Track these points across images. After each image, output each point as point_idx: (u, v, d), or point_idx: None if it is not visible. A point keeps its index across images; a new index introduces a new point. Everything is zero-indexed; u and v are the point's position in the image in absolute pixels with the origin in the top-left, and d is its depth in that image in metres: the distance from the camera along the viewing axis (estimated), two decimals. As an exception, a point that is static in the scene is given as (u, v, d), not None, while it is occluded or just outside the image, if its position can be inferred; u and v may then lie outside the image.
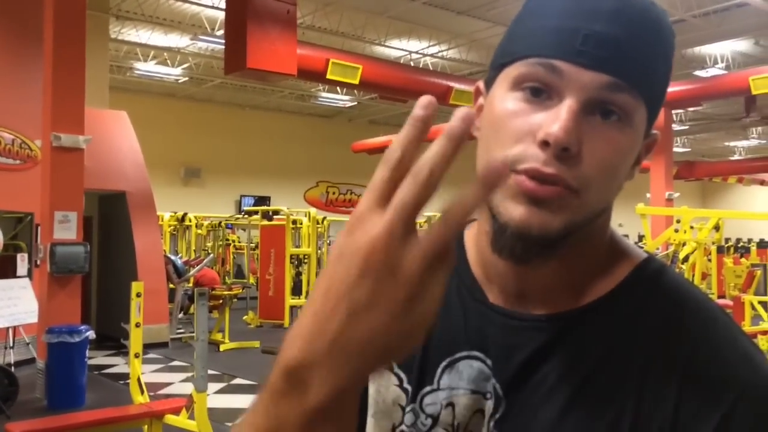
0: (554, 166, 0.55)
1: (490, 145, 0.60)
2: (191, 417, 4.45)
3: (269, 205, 16.12)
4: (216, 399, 6.36)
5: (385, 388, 0.66)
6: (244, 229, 16.55)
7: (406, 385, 0.65)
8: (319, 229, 13.76)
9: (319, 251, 13.23)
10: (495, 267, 0.63)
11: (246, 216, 14.86)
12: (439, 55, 15.33)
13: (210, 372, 7.06)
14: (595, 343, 0.59)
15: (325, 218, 14.78)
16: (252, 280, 15.47)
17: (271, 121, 19.66)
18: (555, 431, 0.58)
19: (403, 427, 0.64)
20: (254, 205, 16.46)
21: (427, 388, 0.64)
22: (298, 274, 12.51)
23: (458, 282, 0.66)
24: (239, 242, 16.72)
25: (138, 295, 5.03)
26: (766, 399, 0.55)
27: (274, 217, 12.54)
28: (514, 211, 0.56)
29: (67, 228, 6.51)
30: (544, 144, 0.55)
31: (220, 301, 10.25)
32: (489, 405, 0.61)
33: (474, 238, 0.68)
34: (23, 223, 8.60)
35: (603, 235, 0.64)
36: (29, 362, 7.57)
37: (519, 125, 0.57)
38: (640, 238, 23.10)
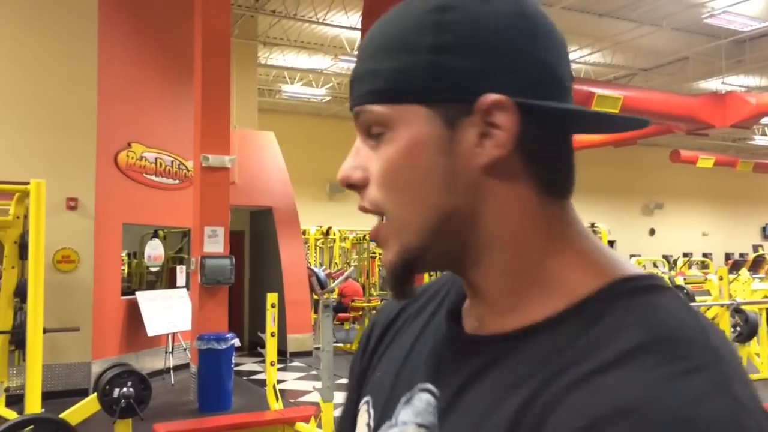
0: (361, 202, 0.59)
1: None
2: (319, 425, 4.59)
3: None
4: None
5: (359, 426, 0.67)
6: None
7: (371, 421, 0.65)
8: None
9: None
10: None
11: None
12: (582, 60, 14.81)
13: (344, 382, 7.26)
14: (520, 367, 0.53)
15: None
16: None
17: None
18: None
19: None
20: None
21: (386, 423, 0.63)
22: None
23: (445, 314, 0.65)
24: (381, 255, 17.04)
25: (273, 305, 5.28)
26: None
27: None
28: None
29: (215, 242, 7.00)
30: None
31: (360, 313, 10.52)
32: None
33: None
34: (187, 238, 9.37)
35: (518, 249, 0.56)
36: (186, 367, 8.20)
37: None
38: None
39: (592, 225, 13.39)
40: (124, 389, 3.01)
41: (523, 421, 0.50)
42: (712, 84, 14.32)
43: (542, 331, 0.54)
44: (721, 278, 6.07)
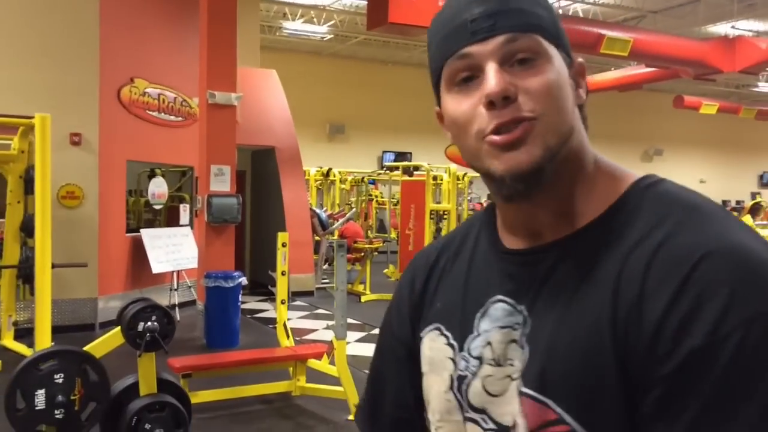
0: (507, 113, 0.68)
1: (459, 141, 0.73)
2: (332, 363, 4.65)
3: (410, 161, 16.24)
4: (356, 347, 6.60)
5: (437, 349, 0.80)
6: (386, 185, 16.85)
7: (452, 341, 0.79)
8: (460, 186, 13.70)
9: (459, 207, 13.19)
10: (509, 219, 0.77)
11: (387, 171, 15.09)
12: (591, 0, 14.49)
13: (351, 321, 7.34)
14: (587, 259, 0.69)
15: (465, 174, 14.66)
16: (393, 235, 15.79)
17: (413, 77, 19.65)
18: (553, 338, 0.69)
19: (459, 372, 0.77)
20: (395, 161, 16.66)
21: (469, 336, 0.77)
22: (438, 230, 12.58)
23: (487, 245, 0.81)
24: (381, 197, 17.07)
25: (284, 245, 5.28)
26: (732, 255, 0.61)
27: (415, 172, 12.63)
28: (499, 164, 0.69)
29: (221, 181, 6.95)
30: (491, 105, 0.68)
31: (362, 254, 10.57)
32: (519, 331, 0.72)
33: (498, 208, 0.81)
34: (186, 177, 9.30)
35: (582, 162, 0.74)
36: (191, 304, 8.27)
37: (467, 110, 0.71)
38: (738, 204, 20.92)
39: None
40: (149, 323, 3.02)
41: (620, 286, 0.65)
42: (722, 28, 14.09)
43: (595, 228, 0.71)
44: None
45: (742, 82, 18.47)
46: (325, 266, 11.36)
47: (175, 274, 8.15)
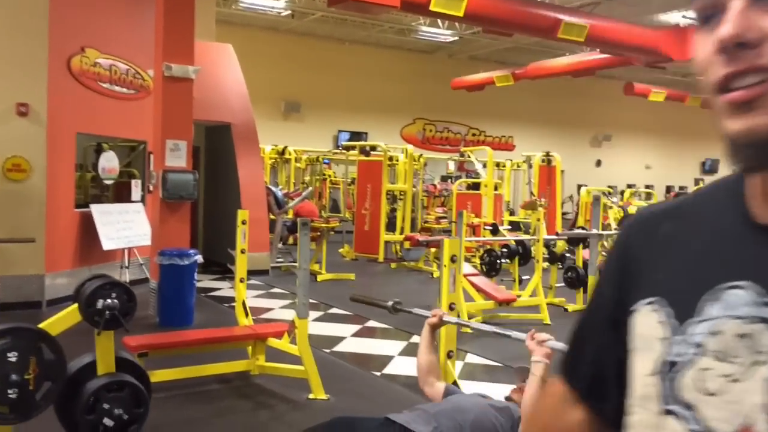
0: (741, 61, 0.57)
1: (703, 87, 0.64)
2: (293, 341, 4.62)
3: (365, 141, 16.18)
4: (313, 326, 6.54)
5: (648, 326, 0.70)
6: (341, 164, 16.75)
7: (670, 319, 0.68)
8: (415, 167, 13.72)
9: (414, 188, 13.22)
10: (764, 188, 0.64)
11: (343, 151, 15.00)
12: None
13: (312, 300, 7.31)
14: None
15: (421, 155, 14.71)
16: (347, 215, 15.75)
17: (369, 57, 19.52)
18: None
19: (671, 357, 0.67)
20: (350, 141, 16.57)
21: (691, 320, 0.66)
22: (393, 210, 12.59)
23: (733, 217, 0.68)
24: (335, 177, 16.97)
25: (243, 222, 5.19)
26: None
27: (371, 152, 12.58)
28: (733, 125, 0.59)
29: (177, 156, 6.78)
30: (723, 50, 0.58)
31: (318, 234, 10.50)
32: (761, 327, 0.61)
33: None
34: (137, 151, 9.03)
35: None
36: (143, 282, 8.08)
37: (704, 56, 0.61)
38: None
39: (547, 154, 13.58)
40: (109, 301, 2.92)
41: None
42: (674, 17, 14.40)
43: None
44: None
45: (689, 71, 18.94)
46: (280, 245, 11.26)
47: (126, 251, 7.95)
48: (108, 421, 3.00)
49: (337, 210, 17.01)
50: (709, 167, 25.36)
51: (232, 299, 8.00)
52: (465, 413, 2.53)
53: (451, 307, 3.18)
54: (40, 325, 3.04)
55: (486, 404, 2.60)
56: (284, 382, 4.72)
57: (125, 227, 7.85)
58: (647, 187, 19.39)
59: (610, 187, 16.56)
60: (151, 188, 7.46)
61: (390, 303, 3.26)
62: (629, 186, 19.77)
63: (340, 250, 12.09)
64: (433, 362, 2.86)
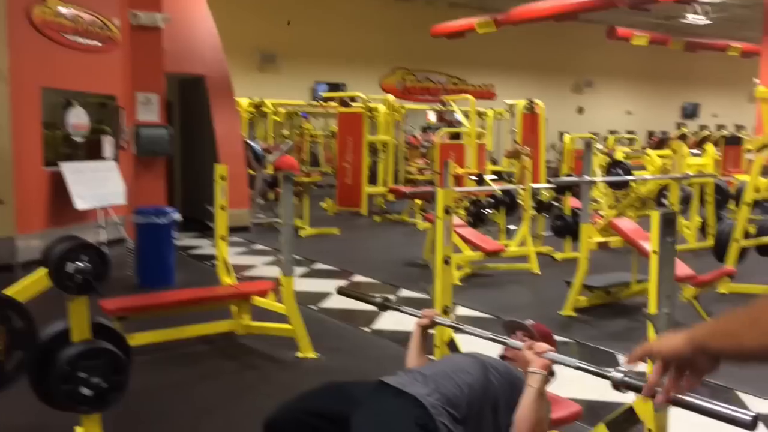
0: None
1: None
2: (278, 299, 4.45)
3: (344, 92, 15.80)
4: (299, 283, 6.38)
5: None
6: (319, 117, 16.41)
7: None
8: (396, 118, 13.43)
9: (395, 140, 12.96)
10: None
11: (322, 103, 14.64)
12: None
13: (296, 257, 7.12)
14: None
15: (402, 106, 14.39)
16: (328, 169, 15.48)
17: (346, 4, 18.95)
18: None
19: None
20: (328, 92, 16.18)
21: None
22: (375, 163, 12.35)
23: None
24: (314, 131, 16.64)
25: (222, 177, 4.95)
26: None
27: (351, 104, 12.27)
28: None
29: (149, 110, 6.47)
30: None
31: (300, 188, 10.26)
32: None
33: None
34: (108, 107, 8.66)
35: None
36: (120, 242, 7.83)
37: None
38: (738, 128, 21.76)
39: (530, 101, 13.34)
40: (80, 264, 2.71)
41: None
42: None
43: None
44: (675, 151, 6.13)
45: (671, 14, 18.66)
46: (260, 201, 11.02)
47: (101, 210, 7.66)
48: (85, 391, 2.81)
49: (316, 164, 16.74)
50: (689, 111, 25.29)
51: (213, 257, 7.79)
52: (463, 374, 2.37)
53: (446, 261, 3.00)
54: (7, 292, 2.82)
55: (484, 363, 2.44)
56: (271, 341, 4.57)
57: (98, 186, 7.55)
58: (629, 132, 19.28)
59: (592, 133, 16.42)
60: (124, 145, 7.15)
61: (379, 299, 3.08)
62: (611, 132, 19.66)
63: (322, 205, 11.89)
64: (422, 365, 2.68)
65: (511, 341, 2.40)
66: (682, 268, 5.22)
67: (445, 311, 2.96)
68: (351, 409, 2.22)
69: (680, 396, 1.94)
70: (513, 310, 5.49)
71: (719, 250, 6.34)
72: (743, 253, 6.36)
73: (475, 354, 2.59)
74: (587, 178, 5.24)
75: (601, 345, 4.65)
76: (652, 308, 2.16)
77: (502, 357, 2.66)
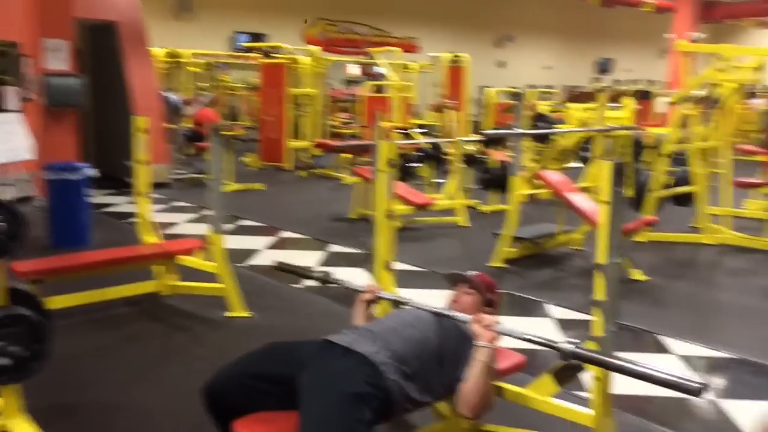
0: None
1: None
2: (208, 258, 4.28)
3: (265, 43, 15.28)
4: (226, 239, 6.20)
5: None
6: (238, 69, 15.84)
7: None
8: (320, 70, 13.10)
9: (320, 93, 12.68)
10: None
11: (243, 54, 14.12)
12: None
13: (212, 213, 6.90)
14: None
15: (326, 58, 14.05)
16: (246, 122, 15.04)
17: (265, -50, 18.22)
18: None
19: None
20: (249, 43, 15.60)
21: None
22: (298, 117, 12.05)
23: None
24: (233, 83, 16.05)
25: (142, 130, 4.67)
26: None
27: (274, 55, 11.88)
28: None
29: (58, 58, 6.01)
30: None
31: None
32: None
33: None
34: (9, 55, 8.00)
35: None
36: (29, 200, 7.35)
37: None
38: (650, 83, 22.55)
39: (455, 55, 13.33)
40: (-10, 224, 2.47)
41: None
42: None
43: None
44: (600, 105, 6.23)
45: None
46: (180, 156, 10.60)
47: (6, 166, 7.14)
48: (3, 360, 2.61)
49: (236, 118, 16.22)
50: (603, 67, 25.96)
51: (130, 215, 7.43)
52: (411, 329, 2.33)
53: (389, 216, 2.92)
54: None
55: (431, 317, 2.41)
56: (199, 301, 4.41)
57: (3, 140, 7.02)
58: (547, 87, 19.62)
59: (513, 87, 16.60)
60: (31, 96, 6.64)
61: (319, 273, 2.98)
62: (530, 87, 19.95)
63: (245, 160, 11.56)
64: None
65: (459, 315, 2.38)
66: (607, 219, 5.36)
67: (389, 216, 2.88)
68: (297, 370, 2.14)
69: (629, 365, 1.97)
70: (445, 262, 5.52)
71: (637, 200, 6.55)
72: (660, 203, 6.59)
73: (422, 307, 2.55)
74: (518, 130, 5.26)
75: (531, 295, 4.74)
76: (601, 258, 2.16)
77: (449, 306, 2.64)
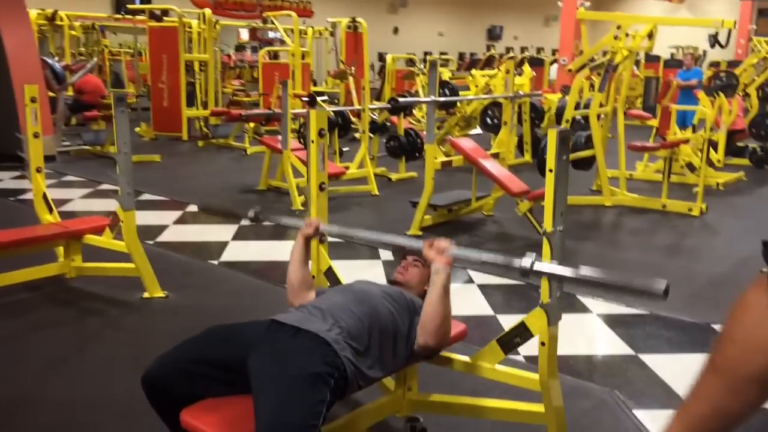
0: None
1: None
2: (117, 237, 4.01)
3: (154, 5, 14.44)
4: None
5: None
6: (121, 33, 14.91)
7: None
8: (212, 35, 12.55)
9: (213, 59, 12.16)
10: None
11: (128, 16, 13.28)
12: None
13: (114, 187, 6.51)
14: None
15: (218, 22, 13.48)
16: (131, 89, 14.25)
17: None
18: None
19: None
20: (136, 5, 14.70)
21: None
22: (191, 83, 11.52)
23: None
24: (116, 47, 15.13)
25: (33, 100, 4.28)
26: None
27: (164, 18, 11.24)
28: None
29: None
30: None
31: (111, 111, 9.32)
32: None
33: None
34: None
35: None
36: None
37: None
38: (539, 50, 23.28)
39: (353, 20, 13.11)
40: None
41: None
42: None
43: None
44: (507, 71, 6.33)
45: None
46: (64, 127, 9.89)
47: None
48: None
49: (120, 85, 15.32)
50: (494, 34, 26.56)
51: (17, 192, 6.90)
52: (360, 304, 2.27)
53: (321, 188, 2.83)
54: None
55: (378, 292, 2.36)
56: (109, 283, 4.14)
57: None
58: (442, 54, 19.84)
59: (409, 54, 16.65)
60: None
61: (251, 213, 2.82)
62: (426, 54, 20.10)
63: (137, 130, 10.95)
64: (306, 279, 2.52)
65: (411, 243, 2.34)
66: (518, 185, 5.50)
67: (321, 240, 2.81)
68: (244, 353, 2.04)
69: (593, 275, 2.00)
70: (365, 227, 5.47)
71: (542, 165, 6.74)
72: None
73: (368, 282, 2.49)
74: (432, 97, 5.25)
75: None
76: (547, 225, 2.18)
77: (393, 282, 2.60)
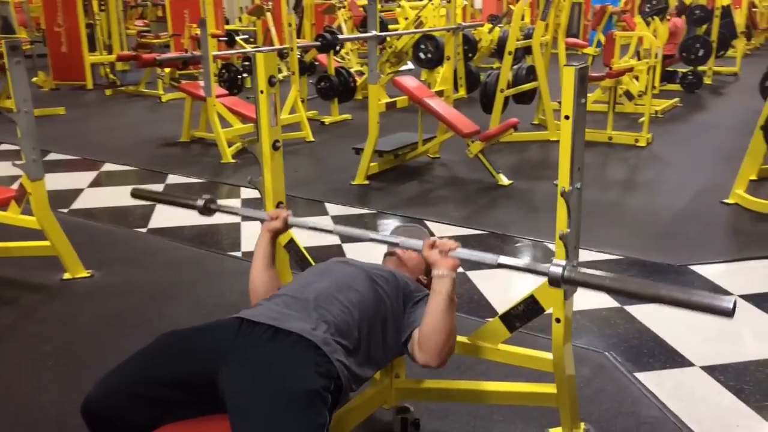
0: None
1: None
2: (26, 210, 3.43)
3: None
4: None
5: None
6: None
7: None
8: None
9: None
10: None
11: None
12: None
13: (13, 147, 5.77)
14: None
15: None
16: (24, 34, 12.92)
17: None
18: None
19: None
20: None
21: None
22: (90, 25, 10.45)
23: None
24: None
25: None
26: None
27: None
28: None
29: None
30: None
31: (2, 60, 8.30)
32: None
33: None
34: None
35: None
36: None
37: None
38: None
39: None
40: None
41: None
42: None
43: None
44: (448, 1, 5.87)
45: None
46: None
47: None
48: None
49: (9, 30, 13.85)
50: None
51: None
52: (348, 291, 1.87)
53: (275, 146, 2.37)
54: None
55: (368, 274, 1.96)
56: (21, 264, 3.57)
57: None
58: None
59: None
60: None
61: (200, 202, 2.29)
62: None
63: (35, 80, 9.91)
64: (273, 283, 2.05)
65: (409, 242, 1.94)
66: (468, 125, 5.15)
67: (275, 147, 2.33)
68: (212, 366, 1.61)
69: (656, 290, 1.59)
70: (306, 185, 5.03)
71: (486, 101, 6.42)
72: (505, 102, 6.52)
73: (347, 262, 2.09)
74: (374, 32, 4.77)
75: (406, 213, 4.44)
76: (564, 183, 1.84)
77: (389, 254, 2.21)
